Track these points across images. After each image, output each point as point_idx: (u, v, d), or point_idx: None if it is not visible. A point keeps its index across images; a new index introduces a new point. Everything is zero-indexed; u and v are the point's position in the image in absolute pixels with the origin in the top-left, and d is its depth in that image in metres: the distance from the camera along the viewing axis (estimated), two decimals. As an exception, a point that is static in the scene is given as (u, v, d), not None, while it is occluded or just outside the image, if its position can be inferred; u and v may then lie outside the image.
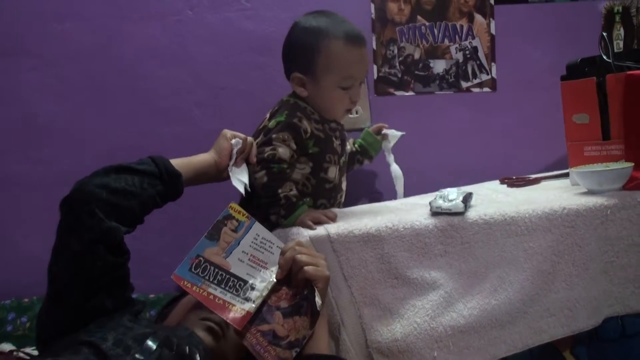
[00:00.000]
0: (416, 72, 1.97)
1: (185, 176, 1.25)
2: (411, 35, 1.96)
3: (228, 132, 1.35)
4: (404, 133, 1.65)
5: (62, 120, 1.83)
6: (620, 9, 1.80)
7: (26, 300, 1.74)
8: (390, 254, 1.29)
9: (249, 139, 1.37)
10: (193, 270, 1.08)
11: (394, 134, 1.64)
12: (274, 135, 1.39)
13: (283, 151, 1.38)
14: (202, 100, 1.87)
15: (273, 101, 1.53)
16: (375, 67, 1.95)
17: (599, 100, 1.49)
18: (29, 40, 1.81)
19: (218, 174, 1.34)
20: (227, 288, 1.10)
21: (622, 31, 1.82)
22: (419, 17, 1.96)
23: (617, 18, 1.81)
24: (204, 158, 1.33)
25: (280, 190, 1.36)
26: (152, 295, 1.79)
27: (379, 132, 1.69)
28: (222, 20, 1.87)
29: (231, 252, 1.14)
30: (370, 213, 1.42)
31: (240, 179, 1.32)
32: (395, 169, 1.70)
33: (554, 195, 1.45)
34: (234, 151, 1.32)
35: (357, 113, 1.92)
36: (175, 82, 1.86)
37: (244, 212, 1.18)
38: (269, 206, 1.37)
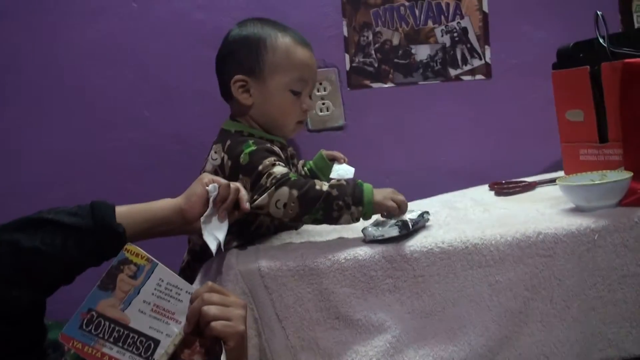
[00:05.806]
0: (395, 60, 1.72)
1: (133, 229, 1.04)
2: (388, 18, 1.71)
3: (206, 177, 1.10)
4: (351, 176, 1.39)
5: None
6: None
7: None
8: (330, 290, 1.11)
9: (234, 184, 1.11)
10: (84, 327, 0.93)
11: (345, 169, 1.40)
12: (260, 167, 1.17)
13: (282, 168, 1.17)
14: (152, 101, 1.68)
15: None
16: (347, 56, 1.70)
17: (594, 94, 1.23)
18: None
19: (185, 225, 1.09)
20: (125, 346, 0.94)
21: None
22: (396, -3, 1.70)
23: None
24: (165, 204, 1.09)
25: (319, 187, 1.13)
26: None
27: (333, 159, 1.48)
28: (171, 11, 1.66)
29: (130, 303, 0.97)
30: (312, 237, 1.22)
31: (215, 234, 1.09)
32: None
33: (537, 211, 1.23)
34: (211, 199, 1.09)
35: (327, 110, 1.70)
36: (121, 82, 1.66)
37: (143, 253, 1.00)
38: (327, 212, 1.13)
